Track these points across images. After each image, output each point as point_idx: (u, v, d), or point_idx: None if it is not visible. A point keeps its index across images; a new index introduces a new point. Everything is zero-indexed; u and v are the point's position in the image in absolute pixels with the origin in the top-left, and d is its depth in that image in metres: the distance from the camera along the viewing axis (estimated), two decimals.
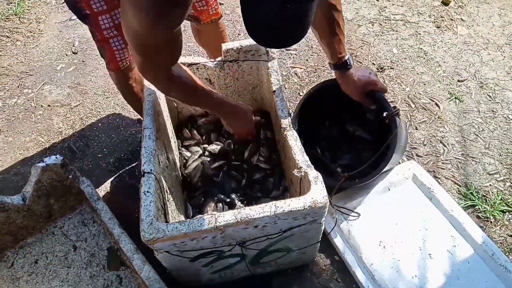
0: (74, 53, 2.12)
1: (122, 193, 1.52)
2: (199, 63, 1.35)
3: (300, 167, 1.03)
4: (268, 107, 1.54)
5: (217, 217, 0.90)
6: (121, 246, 1.16)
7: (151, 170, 1.02)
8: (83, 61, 2.07)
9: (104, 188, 1.53)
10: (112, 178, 1.56)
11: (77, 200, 1.41)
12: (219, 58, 1.36)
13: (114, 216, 1.24)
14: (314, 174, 0.98)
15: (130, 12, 0.75)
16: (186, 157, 1.44)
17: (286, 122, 1.16)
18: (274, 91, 1.24)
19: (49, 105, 1.85)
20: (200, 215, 0.93)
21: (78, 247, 1.35)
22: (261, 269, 1.23)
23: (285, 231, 1.00)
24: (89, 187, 1.31)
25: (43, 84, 1.96)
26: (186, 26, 2.27)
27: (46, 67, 2.04)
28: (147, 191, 0.98)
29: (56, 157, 1.30)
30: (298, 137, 1.12)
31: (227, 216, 0.90)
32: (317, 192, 0.94)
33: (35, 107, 1.85)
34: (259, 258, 1.14)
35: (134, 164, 1.59)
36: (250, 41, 1.33)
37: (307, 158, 1.05)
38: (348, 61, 1.16)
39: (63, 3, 2.44)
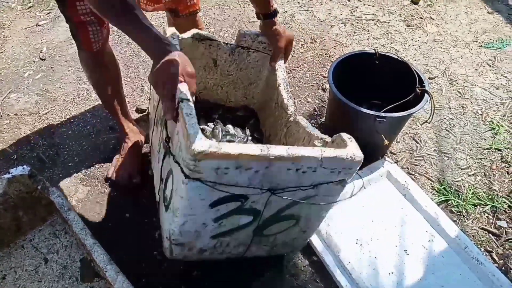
0: (42, 59, 2.05)
1: (94, 202, 1.47)
2: (214, 40, 1.34)
3: (321, 138, 1.09)
4: (257, 107, 1.54)
5: (269, 147, 0.90)
6: (94, 257, 1.13)
7: (188, 97, 0.97)
8: (51, 67, 2.01)
9: (76, 198, 1.48)
10: (84, 187, 1.51)
11: (47, 211, 1.36)
12: (233, 42, 1.37)
13: (86, 226, 1.20)
14: (347, 136, 1.02)
15: None
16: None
17: (292, 109, 1.23)
18: (280, 84, 1.28)
19: (16, 114, 1.79)
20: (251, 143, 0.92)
21: (50, 260, 1.30)
22: (257, 245, 1.23)
23: (315, 186, 1.02)
24: (59, 197, 1.26)
25: (9, 92, 1.89)
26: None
27: (12, 75, 1.97)
28: (190, 114, 0.92)
29: (23, 168, 1.25)
30: (307, 120, 1.19)
31: (279, 149, 0.90)
32: (354, 148, 0.97)
33: (1, 116, 1.78)
34: (268, 225, 1.14)
35: (106, 171, 1.55)
36: None
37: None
38: (276, 9, 1.28)
39: (29, 8, 2.37)
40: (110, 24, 1.31)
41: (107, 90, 1.47)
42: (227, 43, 1.36)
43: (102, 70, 1.42)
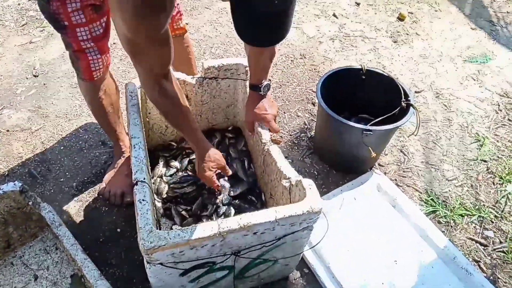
0: (35, 76, 2.07)
1: (86, 217, 1.47)
2: (178, 79, 1.35)
3: (289, 178, 1.06)
4: (241, 124, 1.56)
5: (220, 223, 0.90)
6: (85, 273, 1.12)
7: (144, 178, 1.00)
8: (44, 84, 2.02)
9: (67, 213, 1.48)
10: (75, 203, 1.51)
11: (38, 227, 1.35)
12: (198, 75, 1.39)
13: (76, 242, 1.20)
14: (308, 182, 1.02)
15: (118, 16, 0.83)
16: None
17: (266, 137, 1.21)
18: None
19: (8, 130, 1.79)
20: (201, 223, 0.92)
21: (40, 276, 1.29)
22: (243, 284, 1.23)
23: (279, 239, 1.01)
24: (50, 213, 1.26)
25: (2, 108, 1.90)
26: None
27: (4, 91, 1.98)
28: (143, 199, 0.95)
29: (14, 184, 1.25)
30: (280, 150, 1.16)
31: (230, 222, 0.90)
32: (313, 198, 0.97)
33: None
34: (246, 271, 1.13)
35: (97, 186, 1.56)
36: (231, 60, 1.37)
37: (293, 169, 1.09)
38: (262, 88, 1.23)
39: (23, 25, 2.39)
40: (109, 46, 1.30)
41: (106, 114, 1.44)
42: (192, 77, 1.37)
43: (103, 97, 1.38)
